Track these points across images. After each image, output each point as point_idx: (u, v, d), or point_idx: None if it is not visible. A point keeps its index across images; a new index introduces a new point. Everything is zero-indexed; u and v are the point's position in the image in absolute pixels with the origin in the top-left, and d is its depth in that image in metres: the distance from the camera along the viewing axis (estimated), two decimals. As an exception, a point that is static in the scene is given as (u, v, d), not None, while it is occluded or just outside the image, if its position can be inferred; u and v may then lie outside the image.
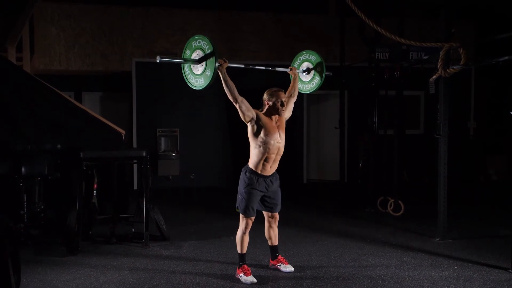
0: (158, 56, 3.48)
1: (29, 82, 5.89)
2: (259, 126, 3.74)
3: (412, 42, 4.71)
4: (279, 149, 3.83)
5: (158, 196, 7.22)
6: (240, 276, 3.86)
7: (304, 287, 3.72)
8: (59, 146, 5.38)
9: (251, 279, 3.82)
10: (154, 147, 8.71)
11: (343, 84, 7.88)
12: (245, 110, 3.67)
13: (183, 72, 3.71)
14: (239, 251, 3.92)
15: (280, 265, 4.12)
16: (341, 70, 7.82)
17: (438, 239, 5.10)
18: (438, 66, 4.69)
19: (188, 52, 3.66)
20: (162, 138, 8.83)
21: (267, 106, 3.84)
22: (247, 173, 3.84)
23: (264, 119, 3.77)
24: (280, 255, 4.17)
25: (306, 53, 4.40)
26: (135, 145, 8.70)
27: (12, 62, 6.44)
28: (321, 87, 4.39)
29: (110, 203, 5.40)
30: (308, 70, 4.36)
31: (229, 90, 3.60)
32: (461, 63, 4.58)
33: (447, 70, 4.66)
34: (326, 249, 4.78)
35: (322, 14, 9.59)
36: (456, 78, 5.18)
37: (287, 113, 4.02)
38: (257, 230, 4.39)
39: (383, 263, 4.33)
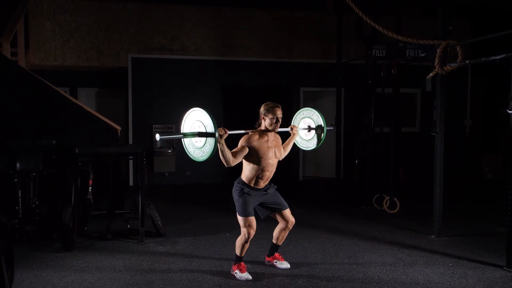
0: (157, 135, 3.54)
1: (24, 77, 5.85)
2: (251, 150, 3.69)
3: (409, 39, 4.71)
4: (273, 166, 3.80)
5: (154, 192, 7.21)
6: (236, 273, 3.85)
7: (299, 284, 3.72)
8: (54, 142, 5.36)
9: (246, 275, 3.81)
10: (150, 144, 8.69)
11: (340, 81, 7.88)
12: (242, 157, 3.66)
13: (184, 146, 3.66)
14: (237, 254, 3.89)
15: (276, 262, 4.12)
16: (338, 67, 7.82)
17: (433, 237, 5.12)
18: (435, 64, 4.69)
19: (187, 124, 3.61)
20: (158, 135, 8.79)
21: (262, 121, 3.80)
22: (239, 184, 3.81)
23: (257, 142, 3.70)
24: (276, 252, 4.16)
25: (310, 110, 4.25)
26: (131, 141, 8.67)
27: (6, 57, 6.39)
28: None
29: (106, 199, 5.38)
30: (309, 129, 4.24)
31: (225, 160, 3.55)
32: (458, 61, 4.59)
33: (444, 67, 4.66)
34: (321, 246, 4.78)
35: (319, 11, 9.57)
36: (453, 76, 5.18)
37: (283, 155, 3.97)
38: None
39: (378, 260, 4.34)
